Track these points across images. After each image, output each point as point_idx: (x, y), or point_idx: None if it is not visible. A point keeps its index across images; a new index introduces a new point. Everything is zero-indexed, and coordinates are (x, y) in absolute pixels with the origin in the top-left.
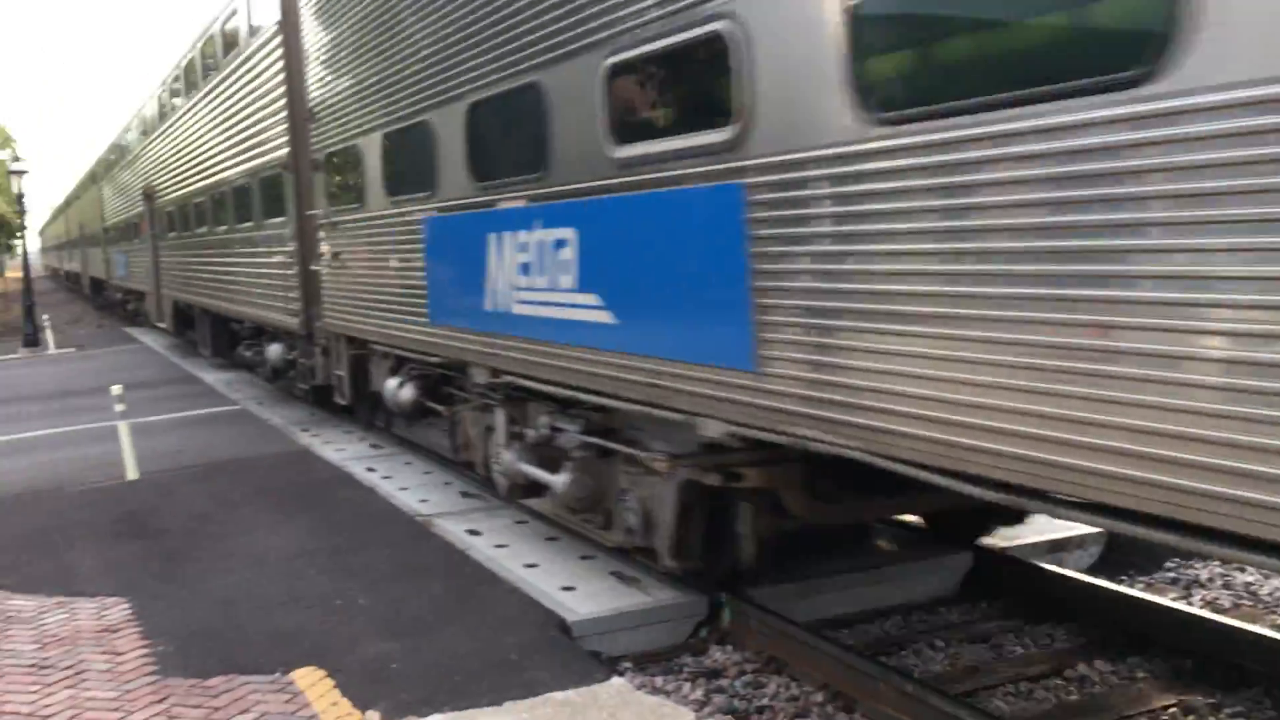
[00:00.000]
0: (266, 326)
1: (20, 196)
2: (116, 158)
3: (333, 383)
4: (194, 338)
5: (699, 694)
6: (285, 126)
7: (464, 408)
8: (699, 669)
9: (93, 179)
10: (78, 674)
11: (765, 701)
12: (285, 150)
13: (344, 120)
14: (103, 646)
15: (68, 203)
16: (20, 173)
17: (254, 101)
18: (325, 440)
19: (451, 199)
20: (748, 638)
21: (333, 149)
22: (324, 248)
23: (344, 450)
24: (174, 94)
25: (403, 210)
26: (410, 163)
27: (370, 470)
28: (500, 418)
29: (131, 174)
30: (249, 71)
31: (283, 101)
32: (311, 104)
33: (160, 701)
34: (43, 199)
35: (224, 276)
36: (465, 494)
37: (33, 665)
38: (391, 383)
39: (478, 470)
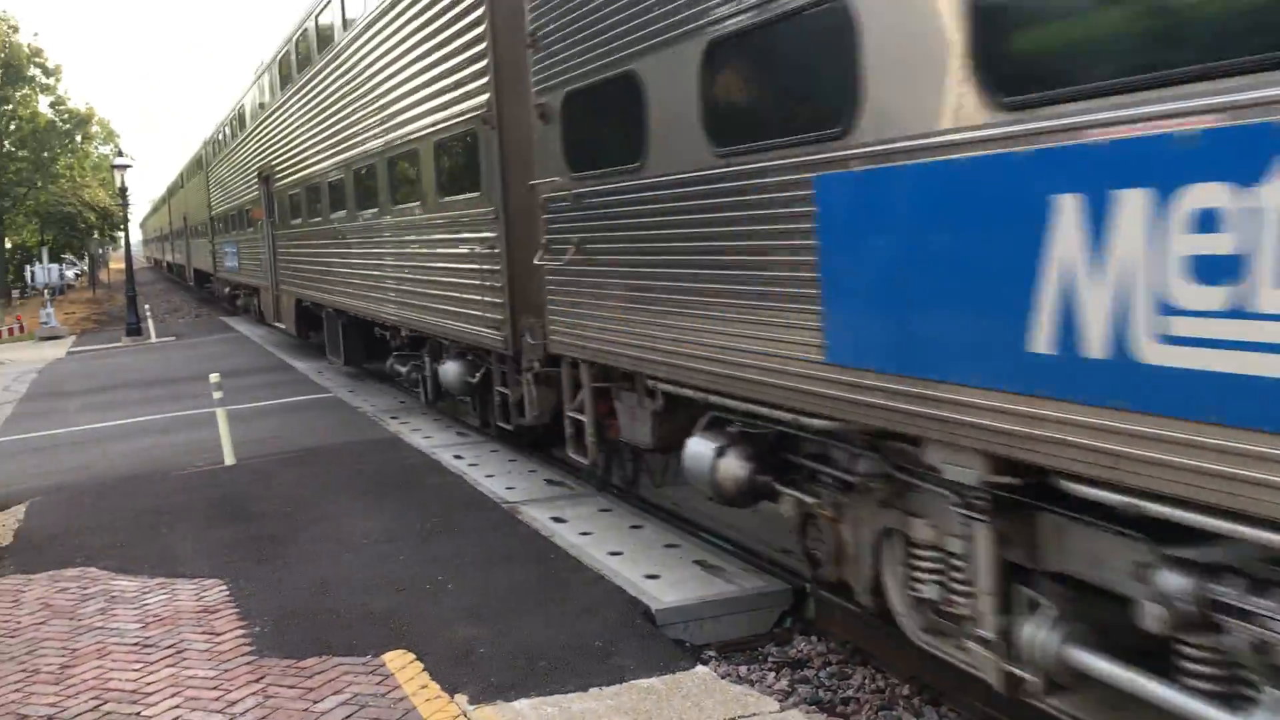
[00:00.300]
0: (443, 338)
1: (123, 190)
2: (226, 140)
3: (551, 423)
4: (321, 341)
5: (783, 684)
6: (483, 65)
7: (843, 499)
8: (783, 659)
9: (199, 165)
10: (179, 652)
11: (850, 693)
12: (483, 98)
13: (602, 39)
14: (202, 626)
15: (170, 192)
16: (124, 167)
17: (423, 41)
18: (414, 428)
19: (915, 135)
20: (833, 628)
21: (578, 85)
22: (556, 234)
23: (432, 438)
24: (300, 55)
25: (754, 167)
26: (770, 85)
27: (458, 457)
28: (983, 543)
29: (244, 156)
30: (414, 4)
31: (479, 31)
32: (534, 26)
33: (257, 681)
34: (143, 192)
35: (372, 272)
36: (550, 481)
37: (136, 644)
38: (702, 447)
39: (858, 598)
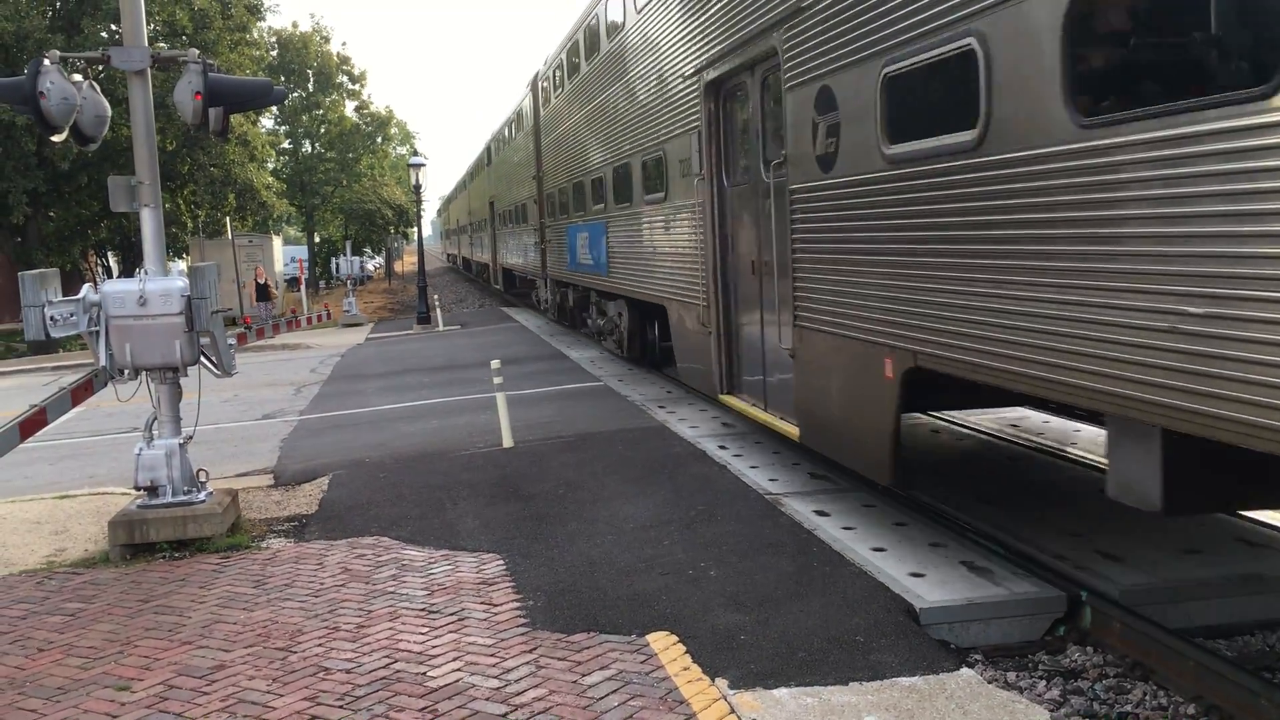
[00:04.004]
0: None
1: (417, 187)
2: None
3: None
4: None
5: (1055, 694)
6: None
7: None
8: (1055, 668)
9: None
10: (460, 620)
11: (1129, 709)
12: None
13: None
14: (481, 597)
15: (458, 190)
16: (419, 165)
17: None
18: (680, 417)
19: None
20: (1111, 640)
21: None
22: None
23: (697, 428)
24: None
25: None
26: None
27: (722, 448)
28: None
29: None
30: None
31: None
32: None
33: (530, 651)
34: (435, 189)
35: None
36: (814, 475)
37: (423, 610)
38: None
39: None
